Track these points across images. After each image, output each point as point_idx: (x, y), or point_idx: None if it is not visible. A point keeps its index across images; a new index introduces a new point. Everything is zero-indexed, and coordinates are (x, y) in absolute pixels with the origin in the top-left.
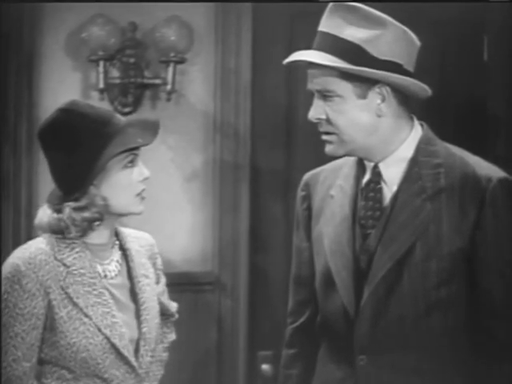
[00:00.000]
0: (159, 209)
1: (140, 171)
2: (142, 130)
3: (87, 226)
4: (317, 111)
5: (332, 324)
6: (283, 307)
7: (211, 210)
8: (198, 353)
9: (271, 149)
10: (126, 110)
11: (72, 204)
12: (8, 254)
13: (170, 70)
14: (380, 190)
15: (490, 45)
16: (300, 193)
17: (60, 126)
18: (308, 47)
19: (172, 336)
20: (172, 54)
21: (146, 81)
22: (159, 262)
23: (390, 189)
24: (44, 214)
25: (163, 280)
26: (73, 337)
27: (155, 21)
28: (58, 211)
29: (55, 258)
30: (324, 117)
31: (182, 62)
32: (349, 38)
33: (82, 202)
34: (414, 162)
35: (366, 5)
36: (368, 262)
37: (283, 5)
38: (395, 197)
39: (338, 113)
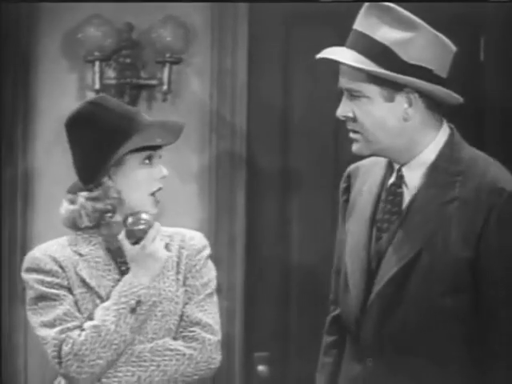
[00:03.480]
0: None
1: (158, 169)
2: (163, 131)
3: (99, 217)
4: (344, 109)
5: (345, 323)
6: (279, 308)
7: (207, 210)
8: None
9: (267, 149)
10: None
11: (85, 194)
12: (4, 256)
13: (166, 70)
14: (401, 194)
15: (486, 45)
16: (342, 184)
17: (85, 118)
18: (304, 48)
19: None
20: (168, 55)
21: (142, 81)
22: (194, 261)
23: (410, 193)
24: (62, 208)
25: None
26: (84, 316)
27: (151, 21)
28: (72, 202)
29: (71, 249)
30: (351, 115)
31: (178, 62)
32: (380, 40)
33: (95, 193)
34: (434, 167)
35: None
36: (378, 264)
37: (279, 5)
38: (412, 201)
39: (364, 113)
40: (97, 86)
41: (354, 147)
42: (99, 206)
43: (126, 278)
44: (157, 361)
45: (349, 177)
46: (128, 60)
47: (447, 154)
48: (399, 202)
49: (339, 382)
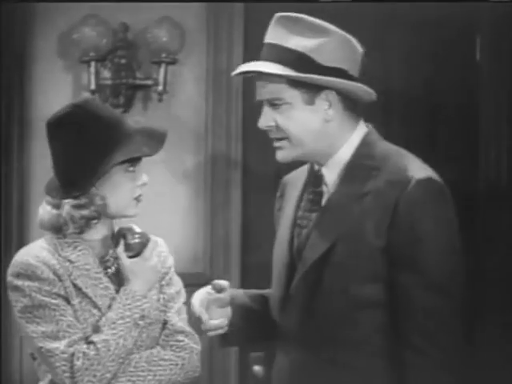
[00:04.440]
0: (150, 209)
1: (139, 176)
2: (149, 139)
3: (85, 224)
4: (266, 119)
5: (273, 317)
6: None
7: (203, 210)
8: None
9: (263, 149)
10: (118, 111)
11: (71, 201)
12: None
13: (162, 70)
14: (320, 193)
15: (482, 45)
16: (277, 194)
17: (71, 121)
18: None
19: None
20: (163, 55)
21: (137, 82)
22: (165, 269)
23: (329, 191)
24: (44, 212)
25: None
26: (83, 328)
27: (147, 21)
28: (57, 207)
29: (59, 255)
30: (274, 124)
31: (173, 62)
32: (294, 47)
33: (82, 201)
34: (350, 165)
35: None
36: (299, 258)
37: (275, 5)
38: (330, 198)
39: (287, 119)
40: (92, 87)
41: (279, 155)
42: (85, 213)
43: (127, 289)
44: (153, 370)
45: (282, 185)
46: (123, 60)
47: (362, 151)
48: (319, 201)
49: (272, 377)
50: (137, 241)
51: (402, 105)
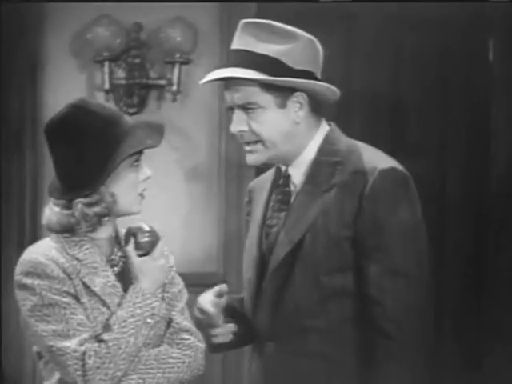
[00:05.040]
0: (163, 209)
1: (143, 171)
2: (150, 132)
3: (97, 221)
4: (239, 124)
5: (248, 315)
6: None
7: (216, 210)
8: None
9: None
10: (131, 110)
11: (83, 200)
12: (13, 254)
13: (176, 70)
14: (288, 193)
15: (495, 46)
16: (245, 199)
17: (70, 122)
18: None
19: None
20: (177, 55)
21: (151, 81)
22: (168, 265)
23: (296, 190)
24: (52, 213)
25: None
26: (92, 326)
27: (160, 21)
28: (67, 207)
29: (67, 254)
30: (246, 128)
31: (187, 62)
32: (265, 52)
33: (93, 198)
34: (315, 163)
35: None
36: (269, 256)
37: (287, 5)
38: (297, 195)
39: (260, 123)
40: (106, 86)
41: (250, 159)
42: (97, 210)
43: (137, 288)
44: (162, 368)
45: (249, 191)
46: (137, 60)
47: (326, 148)
48: (287, 200)
49: (248, 380)
50: (147, 239)
51: (413, 106)
